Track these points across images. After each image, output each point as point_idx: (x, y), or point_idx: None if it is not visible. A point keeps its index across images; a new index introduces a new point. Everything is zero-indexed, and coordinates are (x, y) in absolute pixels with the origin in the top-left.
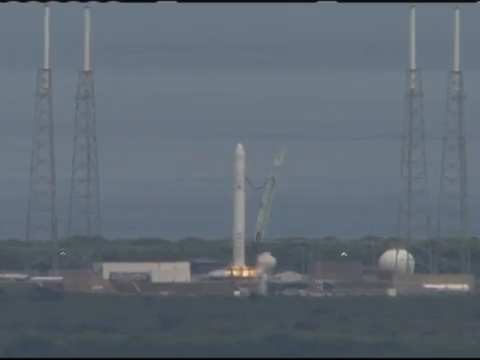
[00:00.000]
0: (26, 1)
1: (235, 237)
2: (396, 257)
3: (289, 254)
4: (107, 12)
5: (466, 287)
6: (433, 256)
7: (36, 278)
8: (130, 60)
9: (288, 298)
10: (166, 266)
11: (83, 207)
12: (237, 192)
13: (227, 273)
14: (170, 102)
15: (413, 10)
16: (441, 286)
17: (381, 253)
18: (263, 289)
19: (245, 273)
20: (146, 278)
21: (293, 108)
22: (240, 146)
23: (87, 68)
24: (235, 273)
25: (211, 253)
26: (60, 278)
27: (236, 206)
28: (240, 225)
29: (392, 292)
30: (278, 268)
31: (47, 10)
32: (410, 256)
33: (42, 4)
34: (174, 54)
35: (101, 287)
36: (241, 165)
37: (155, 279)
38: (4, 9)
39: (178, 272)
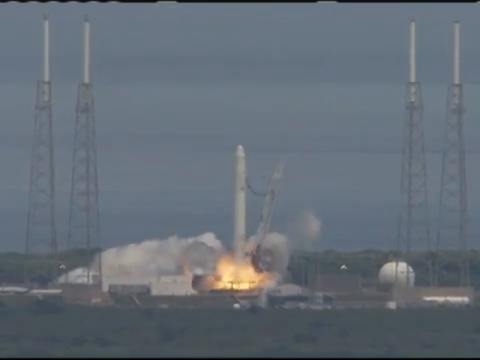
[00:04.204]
0: (27, 1)
1: (236, 239)
2: (396, 270)
3: (289, 267)
4: (107, 25)
5: (466, 300)
6: (433, 269)
7: (36, 291)
8: (130, 73)
9: (288, 311)
10: (166, 279)
11: (82, 220)
12: (238, 194)
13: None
14: (170, 115)
15: (413, 23)
16: (441, 299)
17: (381, 266)
18: (263, 302)
19: (245, 285)
20: (146, 291)
21: (292, 121)
22: (240, 147)
23: (87, 81)
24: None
25: None
26: (59, 291)
27: (237, 208)
28: (241, 227)
29: (392, 305)
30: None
31: (46, 23)
32: (410, 269)
33: (42, 17)
34: (174, 67)
35: (100, 300)
36: (242, 167)
37: (155, 292)
38: (3, 21)
39: (178, 285)
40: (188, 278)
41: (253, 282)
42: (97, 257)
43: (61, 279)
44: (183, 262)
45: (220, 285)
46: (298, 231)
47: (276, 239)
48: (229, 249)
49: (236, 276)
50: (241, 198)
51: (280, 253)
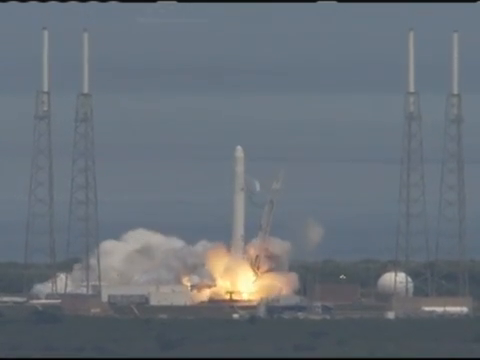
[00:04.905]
0: (26, 1)
1: (236, 240)
2: (395, 280)
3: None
4: (106, 34)
5: (465, 310)
6: (432, 279)
7: (35, 301)
8: (129, 82)
9: (287, 321)
10: (165, 289)
11: (81, 230)
12: (237, 194)
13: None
14: (169, 124)
15: (411, 33)
16: (440, 309)
17: (380, 276)
18: (262, 312)
19: (243, 295)
20: (144, 301)
21: (292, 131)
22: (239, 148)
23: (86, 90)
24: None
25: None
26: (59, 301)
27: (236, 209)
28: (240, 227)
29: (391, 315)
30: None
31: (46, 33)
32: (409, 279)
33: (41, 27)
34: (173, 76)
35: (99, 310)
36: (240, 167)
37: (153, 302)
38: (3, 31)
39: (177, 295)
40: (187, 288)
41: (252, 293)
42: (93, 262)
43: (34, 289)
44: (180, 270)
45: (219, 295)
46: (301, 238)
47: (277, 247)
48: (228, 247)
49: (233, 277)
50: (240, 199)
51: (280, 262)
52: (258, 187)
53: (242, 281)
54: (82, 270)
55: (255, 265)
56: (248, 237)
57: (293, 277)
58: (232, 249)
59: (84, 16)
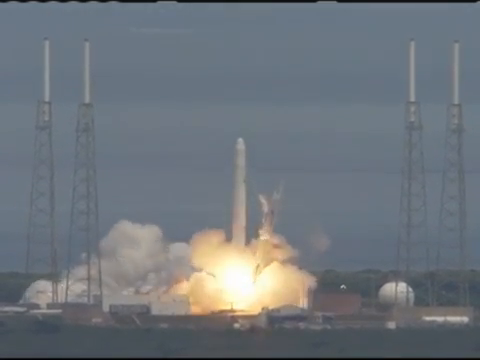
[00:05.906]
0: (27, 1)
1: (237, 231)
2: (395, 290)
3: None
4: (107, 44)
5: (465, 319)
6: (432, 289)
7: (35, 311)
8: (130, 92)
9: (288, 331)
10: (165, 298)
11: (82, 240)
12: (239, 187)
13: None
14: (170, 134)
15: (412, 43)
16: (440, 318)
17: (380, 286)
18: (263, 322)
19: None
20: (146, 310)
21: (292, 141)
22: (240, 140)
23: (87, 100)
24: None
25: None
26: (59, 311)
27: (237, 201)
28: (242, 219)
29: (391, 325)
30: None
31: (47, 43)
32: (409, 289)
33: (42, 37)
34: (174, 86)
35: (101, 320)
36: (242, 160)
37: (155, 311)
38: (4, 41)
39: (177, 304)
40: (187, 297)
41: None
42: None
43: (27, 294)
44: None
45: (220, 305)
46: (307, 245)
47: (281, 254)
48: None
49: (235, 268)
50: (242, 191)
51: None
52: (266, 206)
53: (243, 276)
54: (83, 280)
55: (256, 273)
56: (247, 242)
57: (308, 276)
58: (233, 240)
59: (85, 24)
